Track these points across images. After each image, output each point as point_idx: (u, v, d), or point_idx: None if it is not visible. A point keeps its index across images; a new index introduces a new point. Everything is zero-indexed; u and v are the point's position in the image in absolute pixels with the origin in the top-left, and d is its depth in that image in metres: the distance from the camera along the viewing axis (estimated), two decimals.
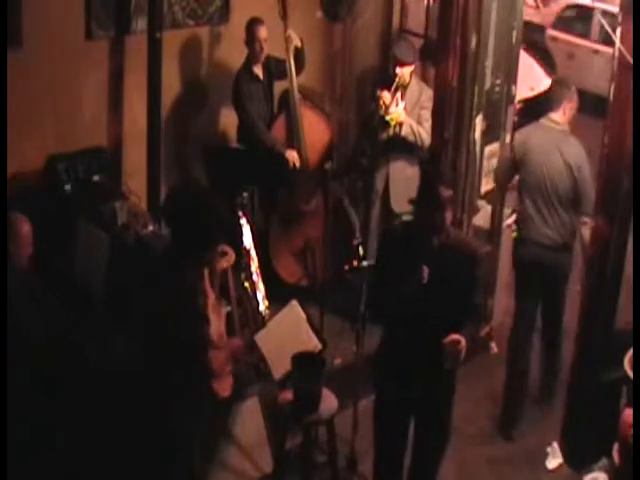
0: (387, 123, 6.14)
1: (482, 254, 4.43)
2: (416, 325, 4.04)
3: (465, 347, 3.94)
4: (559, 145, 5.22)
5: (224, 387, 4.12)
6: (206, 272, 4.07)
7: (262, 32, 6.14)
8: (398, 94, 6.16)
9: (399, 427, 4.39)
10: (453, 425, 4.42)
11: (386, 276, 4.18)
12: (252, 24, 6.15)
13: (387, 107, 6.10)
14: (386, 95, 6.13)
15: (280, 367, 4.66)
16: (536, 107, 9.96)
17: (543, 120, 5.35)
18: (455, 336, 3.93)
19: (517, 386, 5.54)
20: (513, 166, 5.47)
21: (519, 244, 5.52)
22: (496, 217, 6.14)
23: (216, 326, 4.01)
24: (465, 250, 4.19)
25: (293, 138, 6.31)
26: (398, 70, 6.21)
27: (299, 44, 6.22)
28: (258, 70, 6.31)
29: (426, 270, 4.02)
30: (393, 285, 4.09)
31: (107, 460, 4.37)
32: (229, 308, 5.66)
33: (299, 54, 6.26)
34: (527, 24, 10.35)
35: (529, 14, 10.20)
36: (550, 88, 5.55)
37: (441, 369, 4.02)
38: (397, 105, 6.15)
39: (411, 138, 6.18)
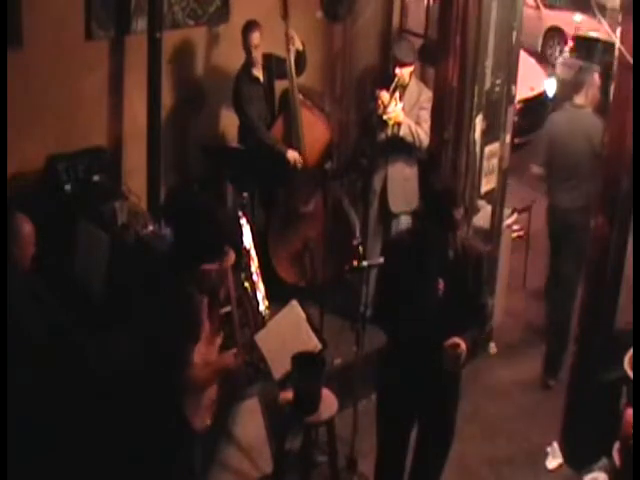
0: (385, 123, 6.14)
1: (485, 254, 4.43)
2: (424, 330, 4.05)
3: (466, 350, 3.95)
4: (582, 124, 5.77)
5: (200, 418, 4.05)
6: (205, 301, 3.98)
7: (254, 39, 6.10)
8: (397, 94, 6.15)
9: (402, 428, 4.39)
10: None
11: (396, 287, 4.18)
12: (245, 30, 6.12)
13: (385, 107, 6.10)
14: (384, 95, 6.13)
15: (280, 367, 4.66)
16: (536, 107, 10.08)
17: (567, 104, 5.94)
18: (456, 339, 3.94)
19: (557, 336, 6.06)
20: (549, 147, 5.95)
21: (550, 210, 6.13)
22: (496, 217, 6.14)
23: (202, 353, 3.95)
24: (471, 253, 4.20)
25: (292, 138, 6.31)
26: (397, 70, 6.21)
27: (300, 47, 6.22)
28: (258, 72, 6.29)
29: (442, 283, 4.04)
30: (406, 297, 4.11)
31: (107, 459, 4.37)
32: (229, 308, 5.66)
33: (300, 57, 6.25)
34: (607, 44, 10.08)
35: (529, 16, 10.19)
36: (575, 75, 6.07)
37: (446, 371, 4.03)
38: (395, 105, 6.14)
39: (409, 138, 6.17)
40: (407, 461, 4.51)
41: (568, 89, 6.10)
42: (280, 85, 6.44)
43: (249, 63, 6.24)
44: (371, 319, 4.69)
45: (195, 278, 3.87)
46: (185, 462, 4.09)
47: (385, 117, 6.07)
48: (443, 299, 4.07)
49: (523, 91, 9.00)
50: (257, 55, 6.18)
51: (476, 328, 4.24)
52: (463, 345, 3.95)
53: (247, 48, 6.16)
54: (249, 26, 6.12)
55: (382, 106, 6.08)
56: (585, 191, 5.71)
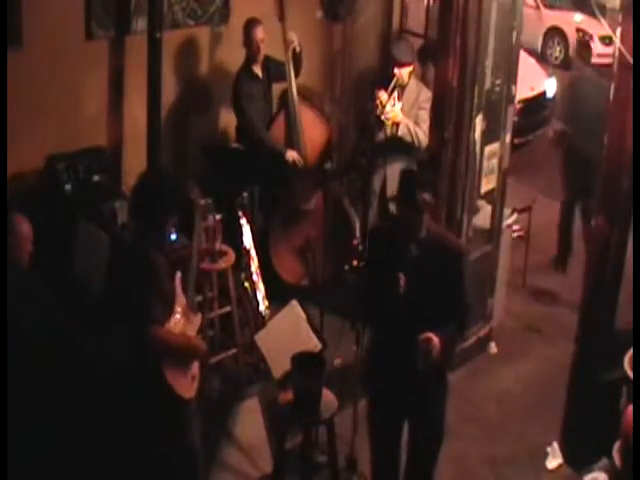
0: (383, 123, 6.15)
1: (464, 250, 4.39)
2: (402, 326, 4.05)
3: (439, 346, 3.93)
4: (598, 82, 7.11)
5: (184, 387, 4.11)
6: (178, 275, 4.10)
7: (259, 33, 6.14)
8: (395, 94, 6.16)
9: (393, 428, 4.39)
10: (448, 424, 4.41)
11: (373, 280, 4.18)
12: (249, 25, 6.14)
13: (383, 107, 6.10)
14: (383, 95, 6.13)
15: (280, 367, 4.67)
16: (536, 107, 10.07)
17: (587, 69, 8.10)
18: (428, 334, 3.92)
19: (566, 238, 7.51)
20: (572, 99, 7.57)
21: (567, 147, 7.30)
22: (496, 217, 6.13)
23: (180, 327, 4.06)
24: (447, 248, 4.17)
25: (292, 138, 6.31)
26: (396, 71, 6.22)
27: (298, 49, 6.22)
28: (258, 70, 6.31)
29: (403, 279, 4.00)
30: (376, 291, 4.11)
31: (108, 459, 4.37)
32: (229, 308, 5.66)
33: (296, 58, 6.26)
34: None
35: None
36: None
37: (431, 368, 4.02)
38: (394, 105, 6.15)
39: (408, 138, 6.17)
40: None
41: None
42: (280, 86, 6.44)
43: (250, 60, 6.25)
44: (358, 318, 4.66)
45: (158, 245, 4.00)
46: (181, 433, 4.11)
47: (383, 117, 6.07)
48: (408, 294, 4.02)
49: (523, 91, 8.99)
50: (263, 49, 6.17)
51: (455, 326, 4.18)
52: (436, 340, 3.92)
53: (250, 43, 6.15)
54: (252, 22, 6.14)
55: (380, 106, 6.08)
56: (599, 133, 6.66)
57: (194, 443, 4.27)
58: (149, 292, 3.92)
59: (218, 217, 5.46)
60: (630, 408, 4.07)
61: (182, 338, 4.13)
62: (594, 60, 13.98)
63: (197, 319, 4.28)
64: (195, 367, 4.21)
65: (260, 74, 6.32)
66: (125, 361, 4.22)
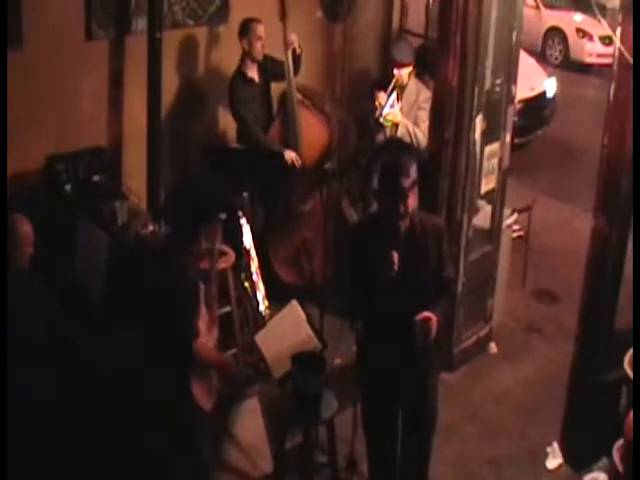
0: (382, 124, 6.15)
1: (444, 228, 4.42)
2: (392, 309, 4.07)
3: (436, 324, 3.98)
4: None
5: (206, 399, 4.07)
6: (202, 288, 4.05)
7: (259, 30, 6.13)
8: (394, 95, 6.16)
9: (388, 420, 4.40)
10: (449, 424, 4.41)
11: (359, 268, 4.20)
12: (251, 22, 6.13)
13: (383, 108, 6.11)
14: (382, 96, 6.13)
15: (280, 367, 4.67)
16: (536, 107, 10.08)
17: None
18: (426, 314, 3.97)
19: None
20: None
21: None
22: (496, 217, 6.13)
23: (203, 338, 4.01)
24: (431, 228, 4.20)
25: (291, 138, 6.31)
26: (396, 71, 6.22)
27: (298, 50, 6.22)
28: (252, 73, 6.28)
29: (396, 255, 4.02)
30: (367, 275, 4.12)
31: (108, 460, 4.37)
32: (229, 308, 5.66)
33: (296, 58, 6.25)
34: None
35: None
36: None
37: (420, 349, 4.05)
38: (393, 106, 6.15)
39: (407, 139, 6.17)
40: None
41: None
42: (280, 85, 6.44)
43: (245, 63, 6.23)
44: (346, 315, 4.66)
45: (191, 261, 3.96)
46: (195, 443, 4.09)
47: (382, 118, 6.07)
48: (401, 273, 4.05)
49: (523, 91, 8.99)
50: (260, 48, 6.16)
51: (444, 302, 4.27)
52: (434, 318, 3.98)
53: (254, 41, 6.12)
54: (253, 19, 6.12)
55: (380, 107, 6.08)
56: None
57: (206, 453, 4.26)
58: (194, 312, 3.89)
59: None
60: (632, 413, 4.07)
61: (219, 354, 4.10)
62: (594, 60, 14.05)
63: (215, 331, 4.20)
64: (215, 381, 4.15)
65: (256, 77, 6.29)
66: (126, 361, 4.23)
